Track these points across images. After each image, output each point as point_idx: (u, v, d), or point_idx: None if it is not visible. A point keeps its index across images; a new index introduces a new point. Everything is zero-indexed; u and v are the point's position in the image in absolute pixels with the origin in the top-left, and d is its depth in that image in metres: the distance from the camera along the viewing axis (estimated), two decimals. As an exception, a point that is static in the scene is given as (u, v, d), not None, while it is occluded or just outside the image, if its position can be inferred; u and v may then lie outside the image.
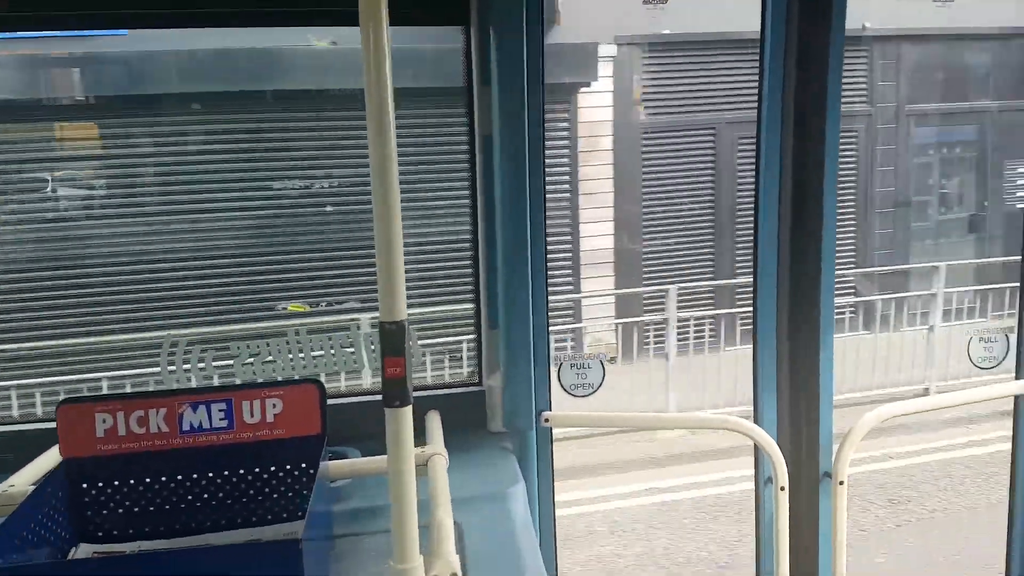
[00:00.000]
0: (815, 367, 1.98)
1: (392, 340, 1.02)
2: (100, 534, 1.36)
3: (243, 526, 1.38)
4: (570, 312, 8.50)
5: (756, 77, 2.03)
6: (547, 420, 1.96)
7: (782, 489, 1.97)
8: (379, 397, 1.93)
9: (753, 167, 2.05)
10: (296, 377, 1.86)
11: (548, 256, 1.95)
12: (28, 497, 1.27)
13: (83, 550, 1.33)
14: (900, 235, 9.20)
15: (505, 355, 1.90)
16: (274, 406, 1.37)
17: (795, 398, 2.05)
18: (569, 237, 8.43)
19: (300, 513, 1.40)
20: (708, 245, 8.79)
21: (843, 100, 1.95)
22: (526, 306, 1.86)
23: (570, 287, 8.46)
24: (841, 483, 1.97)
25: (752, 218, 2.05)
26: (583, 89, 8.29)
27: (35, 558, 1.21)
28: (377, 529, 1.46)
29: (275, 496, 1.39)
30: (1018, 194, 9.68)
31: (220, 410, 1.35)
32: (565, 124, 8.38)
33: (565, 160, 8.40)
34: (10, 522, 1.18)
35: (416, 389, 1.98)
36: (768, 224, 2.00)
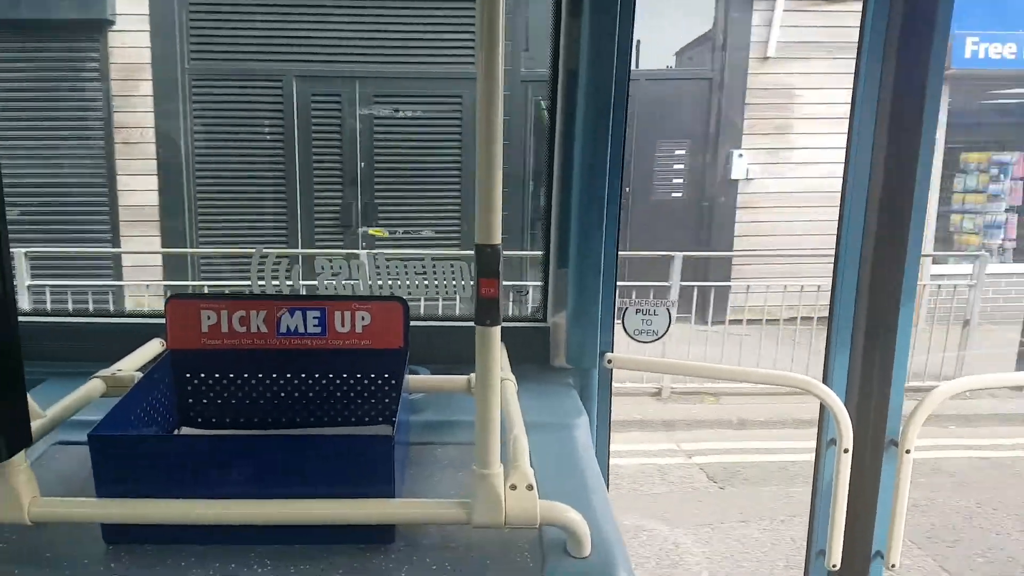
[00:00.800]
0: (892, 332, 1.97)
1: (488, 262, 1.08)
2: (199, 420, 1.49)
3: (329, 425, 1.49)
4: (109, 270, 8.22)
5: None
6: (610, 361, 2.01)
7: (845, 451, 1.99)
8: (445, 323, 2.04)
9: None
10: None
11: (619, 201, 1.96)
12: (140, 381, 1.39)
13: (185, 432, 1.46)
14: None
15: (573, 294, 1.95)
16: (363, 318, 1.46)
17: (868, 362, 2.05)
18: (105, 188, 8.04)
19: (380, 419, 1.50)
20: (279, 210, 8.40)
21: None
22: (599, 247, 1.90)
23: (108, 242, 8.15)
24: (908, 452, 1.98)
25: (840, 188, 2.04)
26: (115, 27, 7.79)
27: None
28: (446, 441, 1.55)
29: (359, 401, 1.49)
30: (674, 181, 9.24)
31: (315, 317, 1.45)
32: (95, 64, 7.90)
33: (98, 104, 7.94)
34: (126, 401, 1.30)
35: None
36: (857, 192, 1.99)
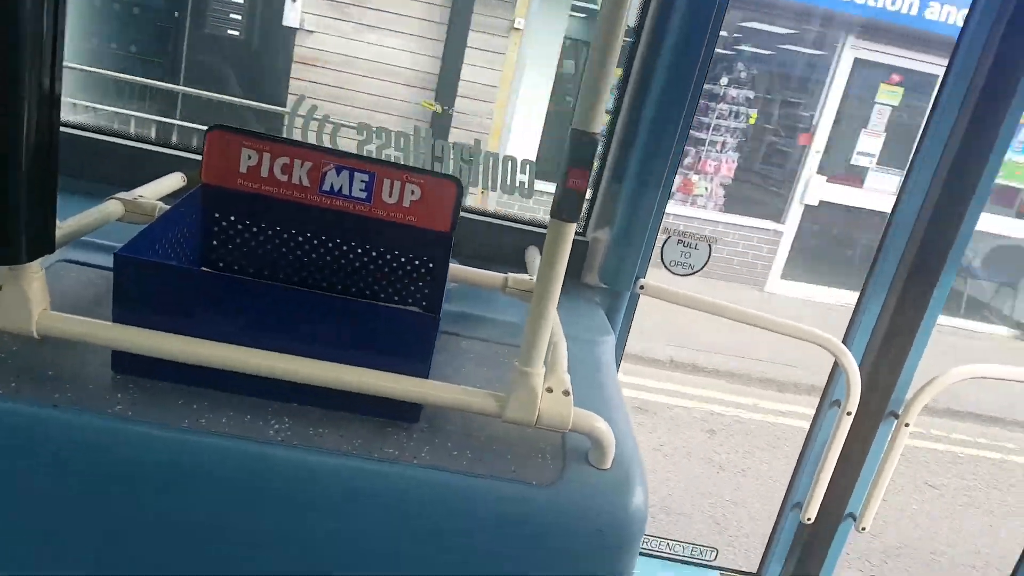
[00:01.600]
0: (923, 306, 1.94)
1: (581, 150, 0.99)
2: (221, 265, 1.41)
3: (356, 298, 1.41)
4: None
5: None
6: (642, 287, 1.95)
7: (848, 414, 1.98)
8: (482, 218, 1.96)
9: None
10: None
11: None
12: (168, 211, 1.30)
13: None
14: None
15: (622, 213, 1.87)
16: (412, 192, 1.37)
17: (892, 332, 2.02)
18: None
19: (410, 301, 1.43)
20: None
21: None
22: (662, 168, 1.81)
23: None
24: (907, 425, 1.97)
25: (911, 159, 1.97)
26: None
27: None
28: (474, 336, 1.49)
29: (392, 279, 1.42)
30: (231, 16, 8.09)
31: (362, 180, 1.35)
32: None
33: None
34: (151, 230, 1.21)
35: (519, 222, 1.99)
36: (931, 151, 1.91)
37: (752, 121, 9.47)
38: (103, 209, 1.38)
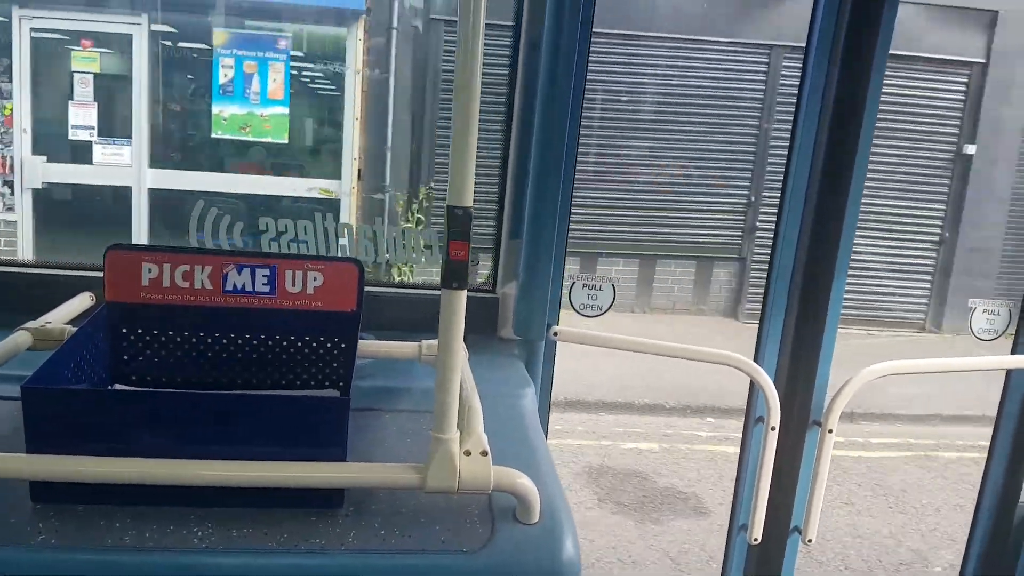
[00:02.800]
0: (823, 315, 2.04)
1: (459, 225, 1.05)
2: (134, 378, 1.42)
3: (272, 389, 1.43)
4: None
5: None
6: (556, 334, 2.01)
7: (772, 429, 2.05)
8: (392, 290, 2.00)
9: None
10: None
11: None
12: (75, 333, 1.32)
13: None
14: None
15: (524, 266, 1.94)
16: (315, 279, 1.41)
17: (798, 343, 2.11)
18: None
19: (327, 383, 1.46)
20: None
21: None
22: (552, 219, 1.89)
23: None
24: (830, 431, 2.05)
25: (783, 167, 2.09)
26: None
27: None
28: (395, 408, 1.52)
29: (306, 364, 1.45)
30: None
31: (264, 275, 1.39)
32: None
33: None
34: (58, 355, 1.22)
35: (429, 288, 2.05)
36: (799, 168, 2.03)
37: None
38: (12, 340, 1.38)
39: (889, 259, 9.37)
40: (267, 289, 1.39)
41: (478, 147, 1.06)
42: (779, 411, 2.04)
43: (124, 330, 1.40)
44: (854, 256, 2.04)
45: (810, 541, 2.18)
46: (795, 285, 2.10)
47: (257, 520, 1.13)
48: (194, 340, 1.41)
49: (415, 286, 2.00)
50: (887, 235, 9.19)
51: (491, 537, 1.14)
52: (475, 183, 1.07)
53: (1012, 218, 9.29)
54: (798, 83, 2.05)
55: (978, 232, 9.16)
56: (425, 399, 1.56)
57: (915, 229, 9.34)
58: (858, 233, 2.05)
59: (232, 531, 1.11)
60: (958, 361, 2.15)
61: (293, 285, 1.40)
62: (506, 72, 2.01)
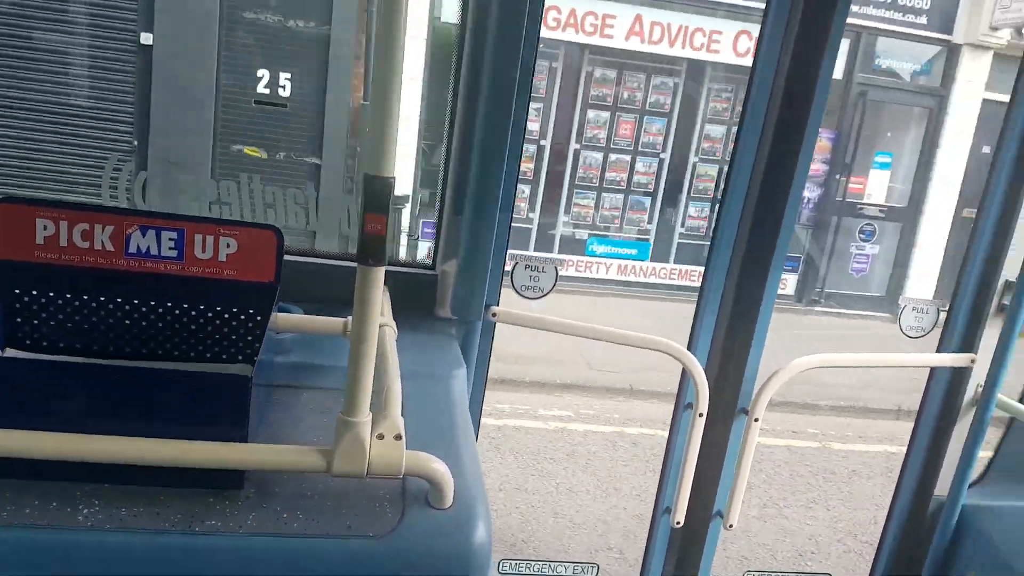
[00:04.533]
0: (757, 305, 2.04)
1: (376, 196, 0.98)
2: (28, 343, 1.31)
3: (179, 360, 1.35)
4: None
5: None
6: (494, 315, 1.97)
7: (700, 415, 2.05)
8: (325, 261, 1.92)
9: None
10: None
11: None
12: None
13: (10, 355, 1.28)
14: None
15: (465, 244, 1.88)
16: (228, 245, 1.32)
17: (731, 332, 2.11)
18: None
19: (240, 358, 1.38)
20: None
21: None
22: (495, 198, 1.84)
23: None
24: (756, 420, 2.07)
25: (729, 163, 2.08)
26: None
27: None
28: (314, 385, 1.46)
29: (216, 336, 1.36)
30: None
31: (171, 239, 1.30)
32: None
33: None
34: None
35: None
36: (743, 166, 2.02)
37: None
38: None
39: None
40: (174, 254, 1.30)
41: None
42: (708, 398, 2.04)
43: (17, 291, 1.29)
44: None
45: (731, 526, 2.21)
46: (732, 274, 2.09)
47: (150, 499, 1.07)
48: (94, 305, 1.31)
49: (345, 256, 1.92)
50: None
51: (400, 522, 1.10)
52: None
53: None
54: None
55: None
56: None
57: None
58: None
59: (122, 510, 1.04)
60: (884, 357, 2.17)
61: (203, 251, 1.31)
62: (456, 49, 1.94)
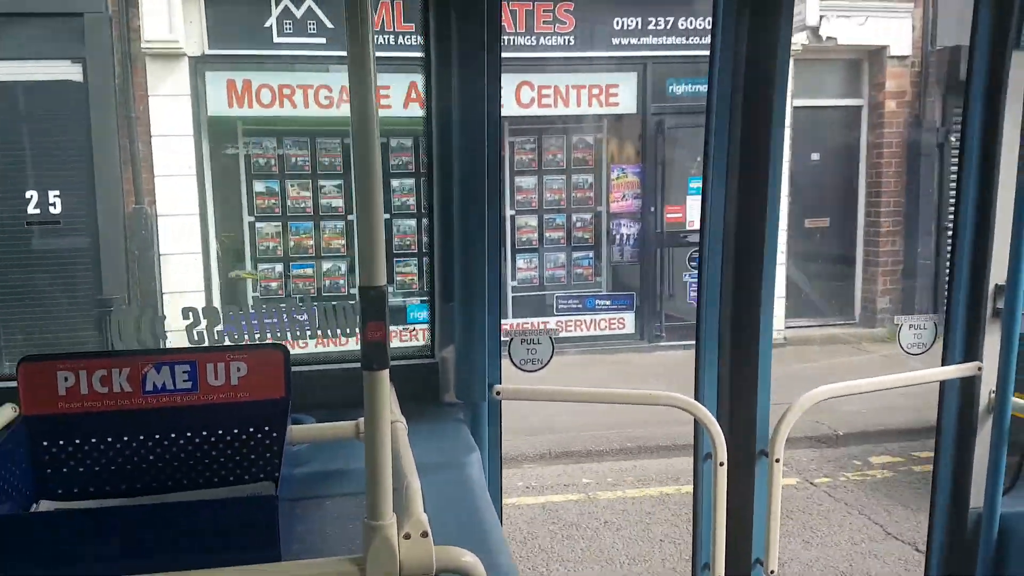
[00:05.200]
0: (755, 344, 2.06)
1: (374, 305, 1.04)
2: (60, 491, 1.36)
3: (205, 487, 1.39)
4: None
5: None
6: (498, 393, 2.00)
7: (721, 464, 2.06)
8: (328, 366, 1.97)
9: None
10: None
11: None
12: None
13: (44, 507, 1.33)
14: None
15: (460, 328, 1.94)
16: (239, 369, 1.38)
17: (735, 376, 2.14)
18: None
19: (261, 475, 1.42)
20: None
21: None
22: (482, 279, 1.90)
23: None
24: (777, 460, 2.07)
25: (701, 209, 2.14)
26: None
27: None
28: (335, 492, 1.49)
29: (237, 458, 1.41)
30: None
31: (184, 371, 1.36)
32: None
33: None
34: None
35: (359, 360, 2.02)
36: (716, 207, 2.08)
37: None
38: None
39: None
40: (189, 385, 1.36)
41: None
42: (725, 446, 2.05)
43: (45, 443, 1.34)
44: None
45: (773, 572, 2.18)
46: (724, 319, 2.12)
47: None
48: (118, 446, 1.36)
49: (344, 360, 1.97)
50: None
51: None
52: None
53: None
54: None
55: None
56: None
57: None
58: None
59: None
60: (891, 378, 2.19)
61: (216, 378, 1.37)
62: (421, 128, 2.02)
